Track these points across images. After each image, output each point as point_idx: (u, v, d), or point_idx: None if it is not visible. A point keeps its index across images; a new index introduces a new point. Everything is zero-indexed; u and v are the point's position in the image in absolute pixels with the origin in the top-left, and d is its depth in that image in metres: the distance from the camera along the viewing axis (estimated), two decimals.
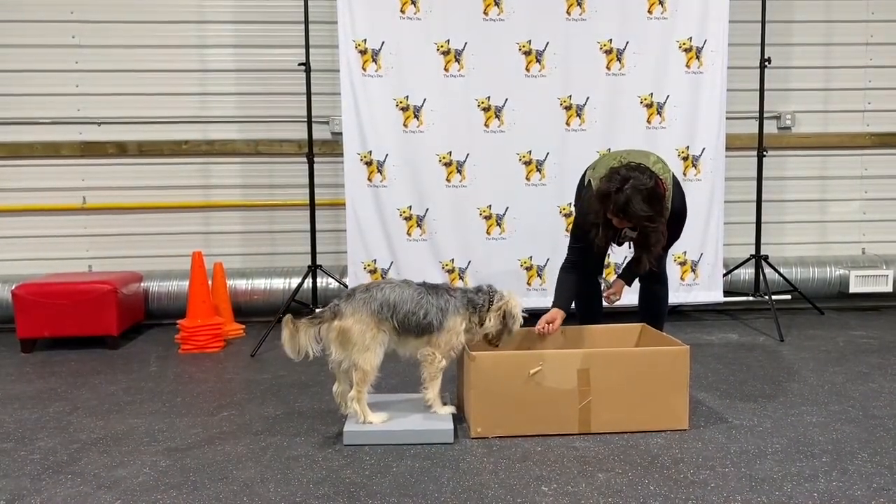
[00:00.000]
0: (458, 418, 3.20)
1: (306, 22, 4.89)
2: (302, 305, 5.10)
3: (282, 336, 3.02)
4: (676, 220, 3.46)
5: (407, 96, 4.88)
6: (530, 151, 4.98)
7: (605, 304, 3.74)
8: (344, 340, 3.01)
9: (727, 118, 5.08)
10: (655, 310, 3.75)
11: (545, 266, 5.06)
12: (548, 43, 4.91)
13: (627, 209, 3.15)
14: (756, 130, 5.23)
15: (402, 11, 4.83)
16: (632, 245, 3.53)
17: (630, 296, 4.56)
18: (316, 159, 5.05)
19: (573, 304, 3.81)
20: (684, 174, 4.96)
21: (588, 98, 4.96)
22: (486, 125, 4.95)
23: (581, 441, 2.99)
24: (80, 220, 5.52)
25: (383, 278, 4.98)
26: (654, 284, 3.72)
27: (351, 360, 3.02)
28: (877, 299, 5.71)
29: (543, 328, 3.45)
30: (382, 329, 3.04)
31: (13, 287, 4.77)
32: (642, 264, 3.42)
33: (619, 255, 4.01)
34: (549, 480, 2.63)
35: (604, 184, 3.24)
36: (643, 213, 3.16)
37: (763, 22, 5.10)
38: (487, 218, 5.02)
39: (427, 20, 4.84)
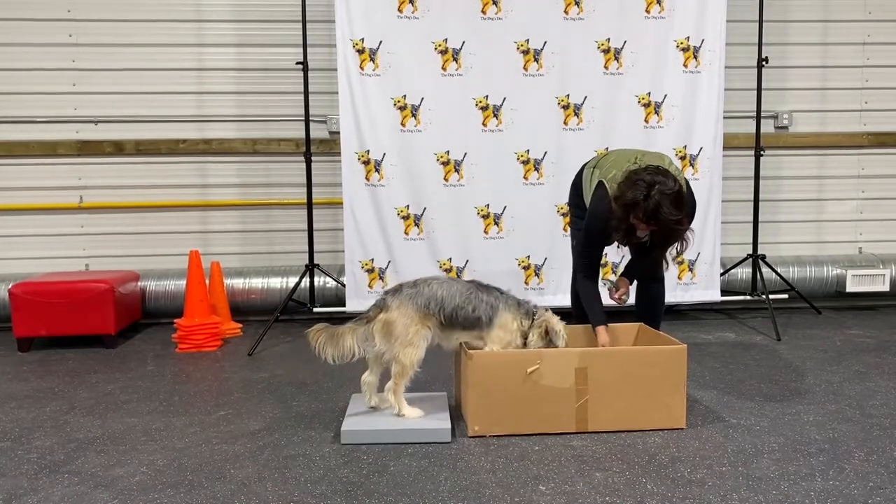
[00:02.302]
0: (456, 417, 3.20)
1: (304, 21, 4.89)
2: (299, 304, 5.10)
3: (316, 344, 3.03)
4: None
5: (405, 95, 4.88)
6: (528, 151, 4.98)
7: (612, 303, 3.65)
8: (387, 333, 3.04)
9: (724, 117, 5.08)
10: (653, 308, 3.74)
11: (543, 265, 5.07)
12: (546, 42, 4.91)
13: (658, 215, 3.09)
14: (753, 130, 5.24)
15: (400, 10, 4.82)
16: (630, 245, 3.52)
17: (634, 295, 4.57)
18: (313, 158, 5.04)
19: (572, 304, 3.83)
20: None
21: (586, 97, 4.97)
22: (484, 124, 4.95)
23: (578, 440, 3.00)
24: (77, 218, 5.51)
25: (381, 277, 4.99)
26: (653, 283, 3.71)
27: (392, 352, 3.04)
28: (873, 298, 5.73)
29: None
30: (427, 325, 3.06)
31: (10, 286, 4.77)
32: (660, 265, 3.43)
33: (613, 253, 4.00)
34: (547, 479, 2.63)
35: (628, 190, 3.14)
36: (673, 218, 3.11)
37: (760, 21, 5.10)
38: (485, 217, 5.02)
39: (425, 19, 4.84)
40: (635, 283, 3.78)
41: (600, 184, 3.42)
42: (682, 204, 3.16)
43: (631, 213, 3.15)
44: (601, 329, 3.39)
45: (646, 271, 3.62)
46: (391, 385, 3.10)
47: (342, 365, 4.17)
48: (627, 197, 3.13)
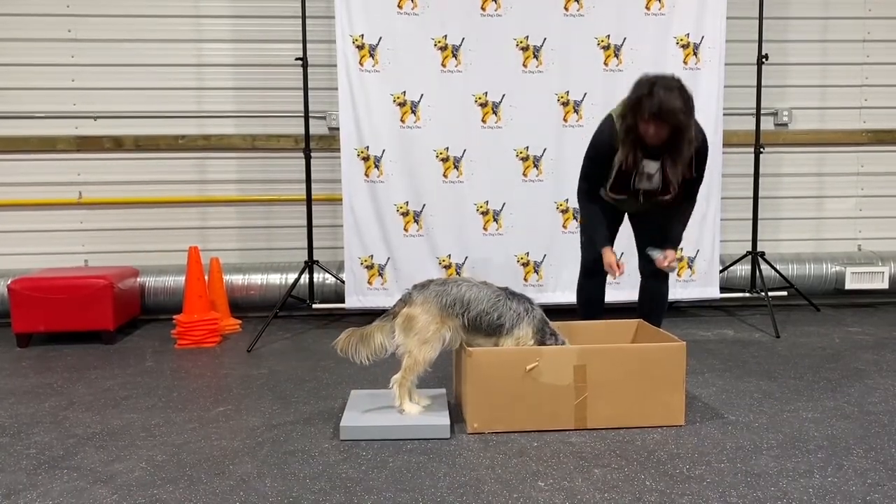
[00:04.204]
0: (455, 413, 3.21)
1: (303, 17, 4.88)
2: (298, 301, 5.10)
3: (348, 350, 3.07)
4: (701, 156, 3.45)
5: (404, 92, 4.88)
6: (527, 147, 4.98)
7: (665, 271, 3.63)
8: (407, 327, 3.05)
9: (724, 114, 5.08)
10: (654, 306, 3.74)
11: (542, 262, 5.07)
12: (545, 39, 4.91)
13: (662, 107, 3.16)
14: (753, 127, 5.23)
15: (400, 6, 4.82)
16: (649, 201, 3.51)
17: (628, 291, 4.59)
18: (313, 154, 5.04)
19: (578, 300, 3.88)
20: None
21: (585, 94, 4.96)
22: (484, 121, 4.94)
23: (577, 436, 3.00)
24: (77, 214, 5.51)
25: (380, 273, 4.98)
26: (656, 280, 3.71)
27: (407, 346, 3.05)
28: (872, 296, 5.73)
29: (619, 271, 3.51)
30: (447, 325, 3.07)
31: (9, 282, 4.77)
32: (670, 185, 3.39)
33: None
34: (546, 476, 2.63)
35: (632, 93, 3.25)
36: (678, 107, 3.17)
37: (760, 18, 5.09)
38: (484, 214, 5.02)
39: (424, 15, 4.83)
40: (636, 280, 3.79)
41: (607, 115, 3.51)
42: (686, 96, 3.23)
43: (637, 113, 3.22)
44: (606, 250, 3.55)
45: (662, 237, 3.59)
46: (398, 377, 3.11)
47: (343, 362, 4.18)
48: (632, 98, 3.23)
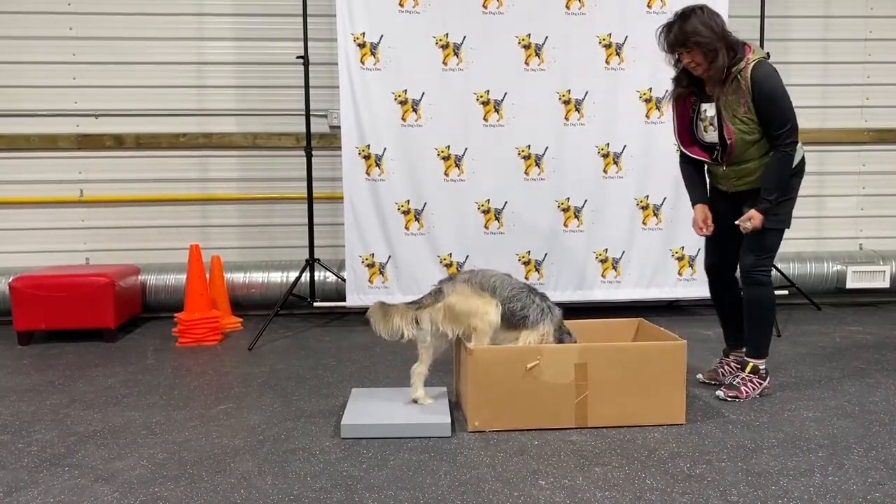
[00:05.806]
0: (456, 412, 3.21)
1: (305, 15, 4.88)
2: (299, 299, 5.10)
3: (372, 321, 3.14)
4: (767, 96, 3.37)
5: (405, 90, 4.87)
6: (529, 146, 4.98)
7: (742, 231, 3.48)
8: (453, 316, 3.10)
9: None
10: (748, 315, 3.51)
11: (543, 261, 5.06)
12: (547, 37, 4.90)
13: (682, 34, 3.28)
14: None
15: (401, 5, 4.81)
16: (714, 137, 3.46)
17: (629, 291, 4.56)
18: (314, 153, 5.04)
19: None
20: None
21: (587, 93, 4.96)
22: (485, 119, 4.94)
23: (578, 435, 3.00)
24: (78, 212, 5.51)
25: (381, 272, 4.99)
26: (746, 286, 3.50)
27: (470, 324, 3.10)
28: (873, 295, 5.73)
29: (703, 230, 3.54)
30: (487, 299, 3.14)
31: (10, 279, 4.77)
32: (725, 125, 3.38)
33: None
34: (546, 474, 2.64)
35: (659, 33, 3.41)
36: (698, 30, 3.27)
37: (762, 17, 5.09)
38: (486, 212, 5.02)
39: (426, 13, 4.83)
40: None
41: None
42: (707, 18, 3.32)
43: (672, 49, 3.36)
44: (699, 206, 3.57)
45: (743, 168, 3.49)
46: (418, 367, 3.20)
47: (344, 360, 4.19)
48: (661, 38, 3.38)
